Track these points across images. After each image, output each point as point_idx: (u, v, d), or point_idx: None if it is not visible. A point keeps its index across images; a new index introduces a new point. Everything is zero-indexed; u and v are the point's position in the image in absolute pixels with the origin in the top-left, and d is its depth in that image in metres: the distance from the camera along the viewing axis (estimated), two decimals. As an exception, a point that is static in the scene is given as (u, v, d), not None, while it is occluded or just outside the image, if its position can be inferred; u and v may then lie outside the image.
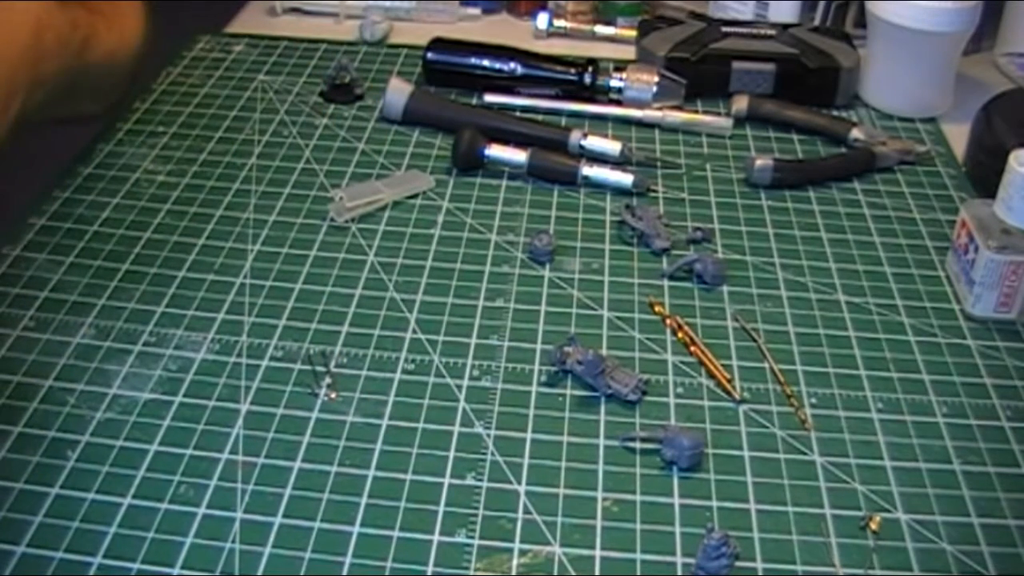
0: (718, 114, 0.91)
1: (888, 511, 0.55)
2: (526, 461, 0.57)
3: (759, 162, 0.82)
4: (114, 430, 0.57)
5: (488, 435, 0.58)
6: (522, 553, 0.52)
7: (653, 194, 0.81)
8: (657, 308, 0.68)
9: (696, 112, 0.91)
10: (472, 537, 0.52)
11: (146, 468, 0.55)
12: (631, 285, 0.71)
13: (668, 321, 0.67)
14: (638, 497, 0.55)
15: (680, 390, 0.62)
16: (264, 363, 0.63)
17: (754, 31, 0.97)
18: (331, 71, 0.93)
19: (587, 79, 0.92)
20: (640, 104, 0.91)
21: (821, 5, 1.05)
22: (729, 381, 0.63)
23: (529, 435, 0.58)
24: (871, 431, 0.60)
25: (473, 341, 0.65)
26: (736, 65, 0.93)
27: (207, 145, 0.85)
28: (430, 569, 0.51)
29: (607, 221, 0.77)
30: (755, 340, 0.66)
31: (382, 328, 0.66)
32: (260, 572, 0.50)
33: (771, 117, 0.91)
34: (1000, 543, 0.53)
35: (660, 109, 0.90)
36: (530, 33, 1.08)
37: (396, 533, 0.52)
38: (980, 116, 0.86)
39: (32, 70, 0.63)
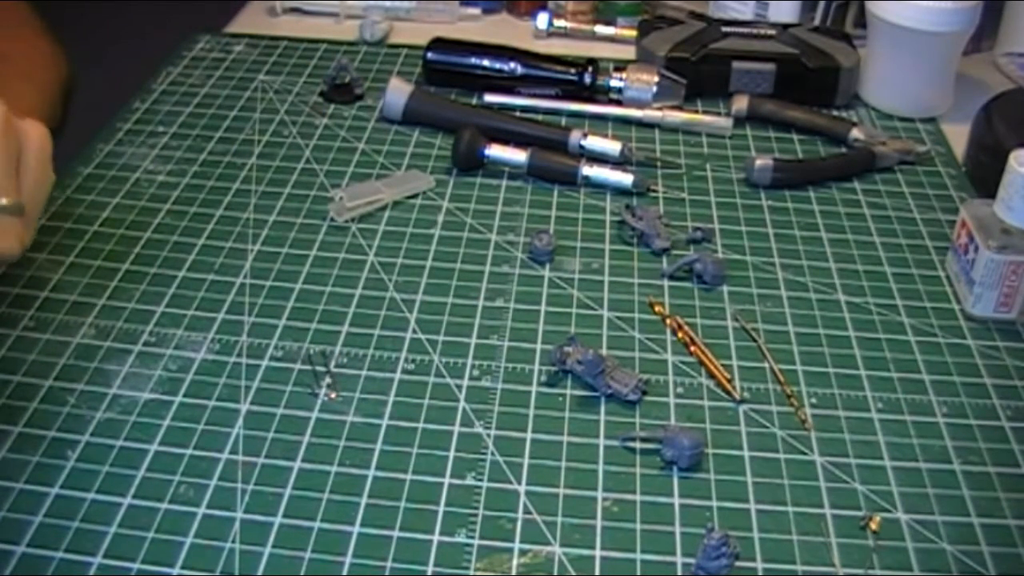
0: (718, 114, 0.91)
1: (888, 511, 0.55)
2: (526, 461, 0.57)
3: (759, 162, 0.82)
4: (114, 430, 0.57)
5: (488, 435, 0.58)
6: (522, 553, 0.52)
7: (653, 194, 0.81)
8: (657, 308, 0.68)
9: (696, 112, 0.91)
10: (472, 537, 0.52)
11: (146, 468, 0.55)
12: (631, 285, 0.71)
13: (668, 321, 0.67)
14: (638, 497, 0.55)
15: (680, 390, 0.62)
16: (264, 363, 0.63)
17: (754, 31, 0.97)
18: (331, 71, 0.93)
19: (587, 79, 0.92)
20: (640, 104, 0.91)
21: (821, 5, 1.05)
22: (729, 381, 0.63)
23: (529, 435, 0.58)
24: (871, 431, 0.60)
25: (473, 341, 0.65)
26: (736, 65, 0.93)
27: (207, 145, 0.85)
28: (430, 569, 0.51)
29: (607, 221, 0.77)
30: (755, 340, 0.66)
31: (382, 328, 0.66)
32: (260, 572, 0.50)
33: (771, 117, 0.91)
34: (1000, 543, 0.53)
35: (660, 109, 0.90)
36: (530, 33, 1.08)
37: (396, 533, 0.52)
38: (980, 116, 0.86)
39: None
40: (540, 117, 0.90)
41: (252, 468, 0.56)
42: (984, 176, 0.81)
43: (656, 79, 0.91)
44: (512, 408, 0.60)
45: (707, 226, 0.76)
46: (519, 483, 0.55)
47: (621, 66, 0.93)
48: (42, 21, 0.84)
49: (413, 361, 0.63)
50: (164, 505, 0.53)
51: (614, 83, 0.92)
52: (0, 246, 0.55)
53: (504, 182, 0.82)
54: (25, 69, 0.78)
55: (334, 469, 0.56)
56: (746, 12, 1.06)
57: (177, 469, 0.55)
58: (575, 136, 0.84)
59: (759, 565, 0.51)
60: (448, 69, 0.95)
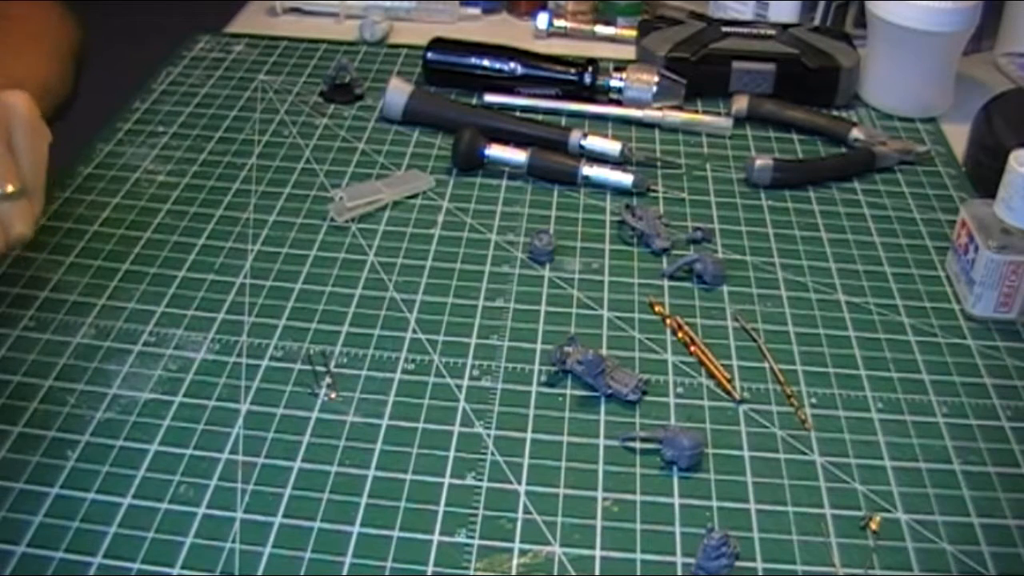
0: (718, 114, 0.91)
1: (888, 511, 0.55)
2: (526, 461, 0.57)
3: (759, 162, 0.82)
4: (114, 430, 0.57)
5: (488, 435, 0.58)
6: (522, 553, 0.52)
7: (653, 194, 0.81)
8: (657, 308, 0.68)
9: (696, 112, 0.91)
10: (472, 537, 0.52)
11: (146, 468, 0.55)
12: (631, 285, 0.71)
13: (668, 321, 0.67)
14: (638, 497, 0.55)
15: (680, 390, 0.62)
16: (264, 363, 0.63)
17: (754, 31, 0.97)
18: (331, 71, 0.93)
19: (587, 79, 0.92)
20: (640, 104, 0.91)
21: (821, 5, 1.05)
22: (729, 381, 0.63)
23: (529, 435, 0.58)
24: (871, 431, 0.60)
25: (473, 341, 0.65)
26: (736, 65, 0.93)
27: (207, 145, 0.85)
28: (430, 569, 0.51)
29: (607, 221, 0.77)
30: (755, 340, 0.66)
31: (382, 328, 0.66)
32: (260, 572, 0.50)
33: (771, 117, 0.91)
34: (1000, 543, 0.53)
35: (660, 109, 0.90)
36: (530, 33, 1.08)
37: (396, 533, 0.52)
38: (980, 116, 0.86)
39: None
40: (540, 117, 0.90)
41: (252, 468, 0.56)
42: (984, 176, 0.81)
43: (656, 79, 0.91)
44: (512, 408, 0.60)
45: (707, 226, 0.76)
46: (519, 483, 0.55)
47: (621, 66, 0.93)
48: None
49: (413, 361, 0.63)
50: (164, 505, 0.53)
51: (614, 83, 0.92)
52: (14, 233, 0.56)
53: (504, 182, 0.82)
54: (34, 30, 0.78)
55: (334, 469, 0.56)
56: (746, 12, 1.06)
57: (177, 469, 0.55)
58: (575, 136, 0.84)
59: (759, 565, 0.51)
60: (448, 69, 0.95)
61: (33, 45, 0.76)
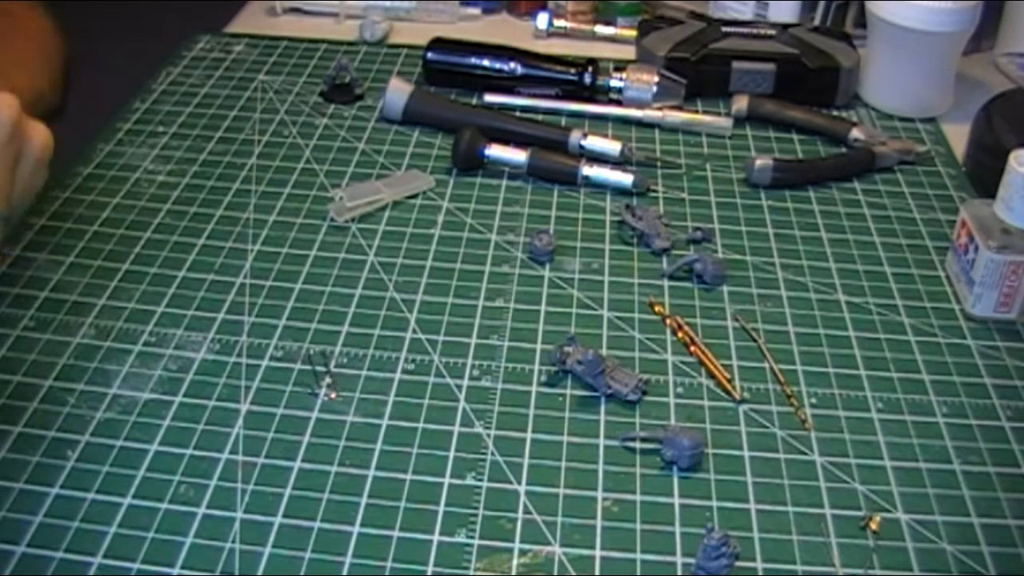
0: (718, 114, 0.91)
1: (888, 511, 0.55)
2: (526, 461, 0.57)
3: (759, 162, 0.82)
4: (114, 430, 0.57)
5: (488, 435, 0.58)
6: (522, 553, 0.52)
7: (653, 194, 0.81)
8: (657, 308, 0.68)
9: (696, 112, 0.91)
10: (472, 537, 0.52)
11: (146, 468, 0.55)
12: (631, 285, 0.71)
13: (668, 321, 0.67)
14: (638, 497, 0.55)
15: (680, 390, 0.62)
16: (264, 363, 0.63)
17: (754, 31, 0.97)
18: (331, 71, 0.93)
19: (587, 79, 0.92)
20: (640, 104, 0.91)
21: (821, 5, 1.05)
22: (729, 381, 0.63)
23: (529, 435, 0.58)
24: (871, 431, 0.60)
25: (473, 341, 0.65)
26: (736, 65, 0.93)
27: (207, 145, 0.85)
28: (430, 569, 0.51)
29: (607, 221, 0.77)
30: (755, 340, 0.66)
31: (382, 328, 0.66)
32: (260, 572, 0.50)
33: (771, 117, 0.91)
34: (1000, 543, 0.53)
35: (660, 109, 0.90)
36: (530, 33, 1.08)
37: (396, 533, 0.52)
38: (980, 116, 0.86)
39: None
40: (540, 117, 0.90)
41: (252, 468, 0.56)
42: (984, 176, 0.81)
43: (656, 79, 0.91)
44: (512, 408, 0.60)
45: (707, 226, 0.76)
46: (519, 483, 0.55)
47: (621, 66, 0.93)
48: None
49: (413, 361, 0.63)
50: (164, 505, 0.53)
51: (614, 83, 0.92)
52: None
53: (504, 182, 0.82)
54: (34, 34, 0.78)
55: (334, 469, 0.56)
56: (746, 12, 1.06)
57: (177, 469, 0.55)
58: (575, 136, 0.84)
59: (759, 565, 0.51)
60: (448, 69, 0.95)
61: (33, 49, 0.76)
